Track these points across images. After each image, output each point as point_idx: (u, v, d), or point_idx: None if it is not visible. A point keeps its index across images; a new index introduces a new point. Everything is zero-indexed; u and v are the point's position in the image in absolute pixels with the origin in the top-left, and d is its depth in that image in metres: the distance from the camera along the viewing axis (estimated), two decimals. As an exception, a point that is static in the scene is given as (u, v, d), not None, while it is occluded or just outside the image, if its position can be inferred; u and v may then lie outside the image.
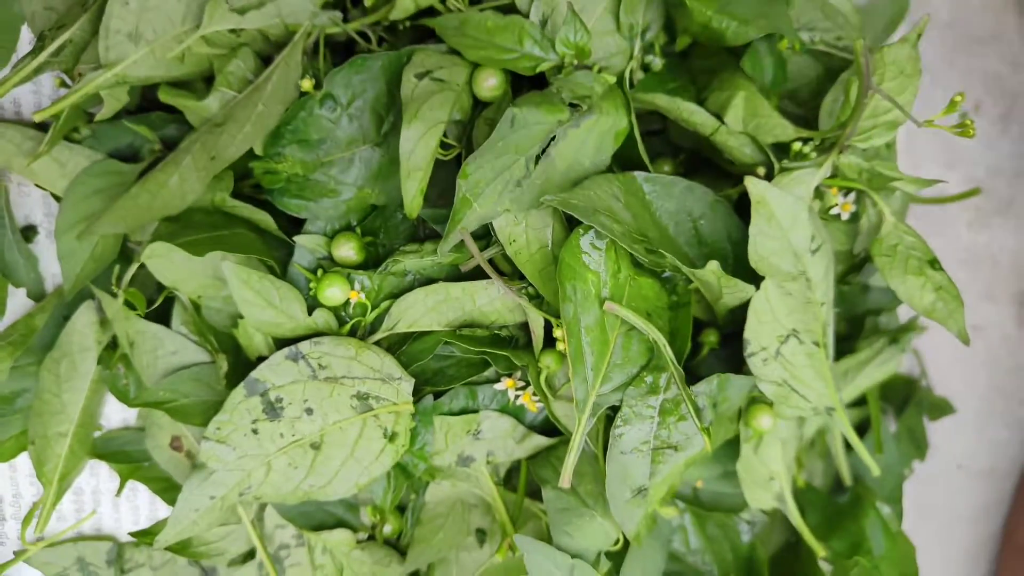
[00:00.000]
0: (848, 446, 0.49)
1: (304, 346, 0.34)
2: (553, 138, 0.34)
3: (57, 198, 0.37)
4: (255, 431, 0.34)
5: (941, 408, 0.53)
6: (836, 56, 0.39)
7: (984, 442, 0.58)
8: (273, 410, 0.34)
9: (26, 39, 0.37)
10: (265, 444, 0.34)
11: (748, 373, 0.36)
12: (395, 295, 0.35)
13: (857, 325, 0.45)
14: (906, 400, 0.52)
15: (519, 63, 0.35)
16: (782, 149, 0.37)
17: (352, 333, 0.36)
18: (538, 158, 0.33)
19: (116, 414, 0.40)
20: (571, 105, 0.34)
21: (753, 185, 0.31)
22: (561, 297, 0.33)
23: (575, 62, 0.35)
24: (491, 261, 0.35)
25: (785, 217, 0.32)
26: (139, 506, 0.40)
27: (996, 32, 0.56)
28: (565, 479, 0.33)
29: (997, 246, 0.57)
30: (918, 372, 0.54)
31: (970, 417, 0.57)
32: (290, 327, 0.35)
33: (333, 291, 0.35)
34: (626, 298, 0.33)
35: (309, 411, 0.34)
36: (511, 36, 0.35)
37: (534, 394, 0.36)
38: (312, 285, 0.35)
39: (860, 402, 0.49)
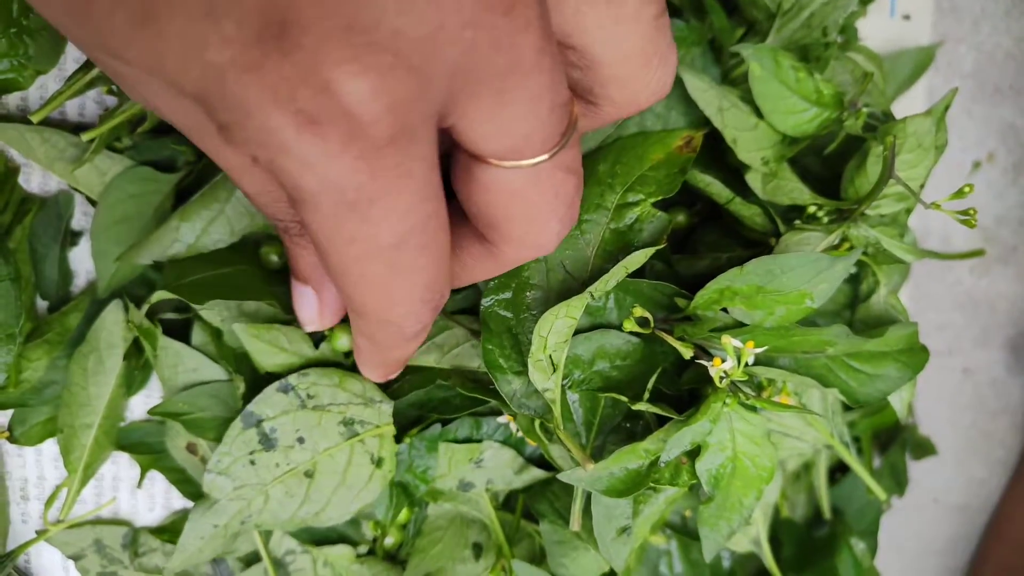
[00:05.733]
0: (831, 480, 0.51)
1: (293, 378, 0.36)
2: None
3: (92, 202, 0.39)
4: (252, 462, 0.36)
5: (924, 448, 0.55)
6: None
7: (962, 479, 0.60)
8: (268, 441, 0.36)
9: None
10: (262, 473, 0.36)
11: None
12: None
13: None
14: (891, 438, 0.54)
15: None
16: (798, 209, 0.38)
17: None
18: None
19: (139, 406, 0.41)
20: None
21: None
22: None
23: None
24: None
25: None
26: (155, 494, 0.42)
27: (1016, 84, 0.57)
28: (575, 523, 0.35)
29: (996, 292, 0.59)
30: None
31: (951, 454, 0.59)
32: (300, 362, 0.37)
33: (342, 341, 0.37)
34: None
35: (300, 440, 0.36)
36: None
37: (535, 431, 0.38)
38: (328, 336, 0.37)
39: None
